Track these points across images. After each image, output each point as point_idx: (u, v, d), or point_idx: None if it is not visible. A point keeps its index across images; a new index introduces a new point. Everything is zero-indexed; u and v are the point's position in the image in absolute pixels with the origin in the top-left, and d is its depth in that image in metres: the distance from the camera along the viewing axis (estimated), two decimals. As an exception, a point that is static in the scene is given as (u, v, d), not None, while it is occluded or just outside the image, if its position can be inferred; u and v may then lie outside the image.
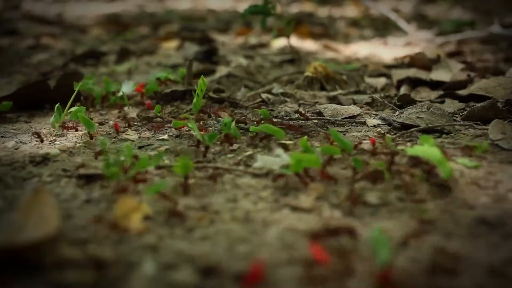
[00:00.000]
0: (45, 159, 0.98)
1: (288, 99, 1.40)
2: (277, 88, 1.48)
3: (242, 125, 1.12)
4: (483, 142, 0.95)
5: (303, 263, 0.61)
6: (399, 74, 1.61)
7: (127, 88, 1.38)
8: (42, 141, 1.07)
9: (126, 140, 1.09)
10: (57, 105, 1.13)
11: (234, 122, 1.03)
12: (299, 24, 2.69)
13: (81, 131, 1.17)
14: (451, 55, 2.02)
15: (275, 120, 1.13)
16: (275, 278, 0.60)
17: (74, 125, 1.16)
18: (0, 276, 0.59)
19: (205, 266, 0.61)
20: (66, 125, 1.15)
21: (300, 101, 1.38)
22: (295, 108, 1.33)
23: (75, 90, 1.17)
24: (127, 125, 1.20)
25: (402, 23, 2.69)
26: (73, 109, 1.12)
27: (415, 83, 1.55)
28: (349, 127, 1.17)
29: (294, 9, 3.92)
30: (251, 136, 1.06)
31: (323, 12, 3.90)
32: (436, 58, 1.74)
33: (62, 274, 0.60)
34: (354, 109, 1.26)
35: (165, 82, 1.43)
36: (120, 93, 1.34)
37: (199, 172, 0.91)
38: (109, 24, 3.27)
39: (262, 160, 0.93)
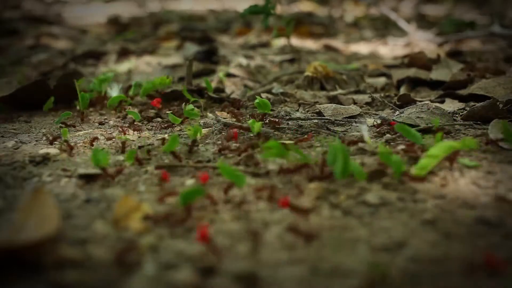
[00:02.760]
0: (45, 159, 0.98)
1: (288, 99, 1.40)
2: (277, 88, 1.48)
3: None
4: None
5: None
6: (399, 74, 1.61)
7: (114, 92, 1.36)
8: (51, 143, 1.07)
9: (126, 140, 1.09)
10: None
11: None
12: (299, 24, 2.69)
13: (79, 131, 1.17)
14: (451, 55, 2.02)
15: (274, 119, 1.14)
16: (276, 278, 0.60)
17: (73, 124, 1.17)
18: (0, 276, 0.59)
19: (205, 266, 0.61)
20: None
21: (300, 101, 1.38)
22: (295, 108, 1.33)
23: (75, 90, 1.17)
24: (127, 124, 1.20)
25: (402, 23, 2.69)
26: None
27: (415, 83, 1.55)
28: (349, 127, 1.17)
29: (294, 9, 3.92)
30: (252, 137, 1.06)
31: (323, 12, 3.90)
32: (436, 58, 1.74)
33: (62, 274, 0.60)
34: (354, 109, 1.26)
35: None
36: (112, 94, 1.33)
37: (199, 172, 0.91)
38: (109, 24, 3.27)
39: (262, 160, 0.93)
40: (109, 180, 0.87)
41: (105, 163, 0.87)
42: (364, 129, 0.94)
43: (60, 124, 1.22)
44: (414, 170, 0.84)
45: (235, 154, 0.98)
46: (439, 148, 0.85)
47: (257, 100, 1.13)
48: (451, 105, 1.30)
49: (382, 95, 1.44)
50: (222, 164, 0.79)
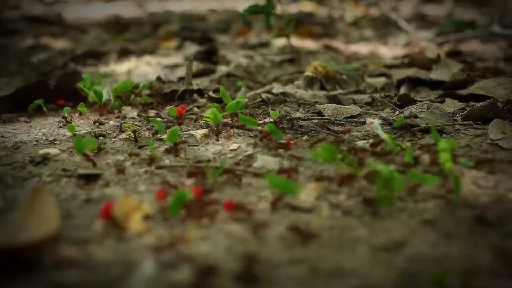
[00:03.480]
0: (45, 159, 0.98)
1: (288, 99, 1.40)
2: (277, 88, 1.48)
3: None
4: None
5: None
6: (399, 74, 1.61)
7: (104, 95, 1.35)
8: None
9: (126, 139, 1.09)
10: None
11: None
12: (299, 24, 2.68)
13: (79, 131, 1.17)
14: (451, 55, 2.02)
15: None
16: (276, 278, 0.60)
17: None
18: (0, 276, 0.59)
19: (205, 266, 0.61)
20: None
21: (300, 101, 1.38)
22: (295, 108, 1.33)
23: (75, 90, 1.16)
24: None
25: (402, 23, 2.69)
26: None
27: (415, 82, 1.55)
28: (349, 127, 1.17)
29: (294, 9, 3.92)
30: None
31: (323, 12, 3.90)
32: (436, 58, 1.74)
33: (61, 274, 0.60)
34: (354, 109, 1.26)
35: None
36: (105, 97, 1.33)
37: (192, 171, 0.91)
38: (109, 24, 3.27)
39: (262, 160, 0.93)
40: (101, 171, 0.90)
41: (92, 147, 0.91)
42: (378, 128, 0.92)
43: (61, 124, 1.22)
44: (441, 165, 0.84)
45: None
46: (444, 142, 0.85)
47: (266, 128, 1.01)
48: (451, 105, 1.30)
49: (382, 95, 1.44)
50: (272, 176, 0.75)
